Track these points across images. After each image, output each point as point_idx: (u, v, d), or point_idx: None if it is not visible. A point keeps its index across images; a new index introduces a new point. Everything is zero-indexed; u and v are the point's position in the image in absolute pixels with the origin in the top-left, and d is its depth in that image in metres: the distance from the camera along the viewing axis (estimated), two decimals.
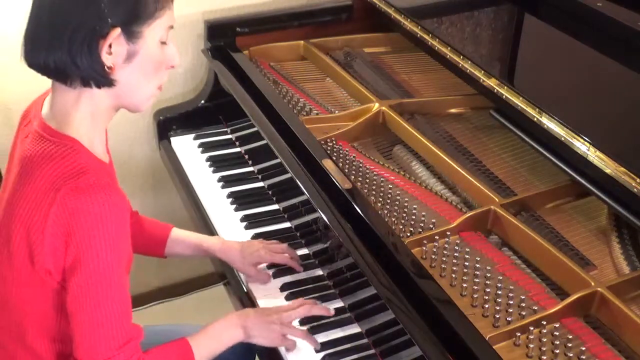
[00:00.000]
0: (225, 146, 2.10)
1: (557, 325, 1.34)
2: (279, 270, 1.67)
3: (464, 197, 1.66)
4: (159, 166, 2.25)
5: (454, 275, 1.43)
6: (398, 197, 1.63)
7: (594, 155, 1.41)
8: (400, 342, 1.37)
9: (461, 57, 1.76)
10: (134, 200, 1.63)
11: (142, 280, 2.56)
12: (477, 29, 1.97)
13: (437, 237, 1.51)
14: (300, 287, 1.63)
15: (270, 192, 1.92)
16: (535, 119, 1.53)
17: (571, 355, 1.28)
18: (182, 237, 1.69)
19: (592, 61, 1.75)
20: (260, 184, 1.96)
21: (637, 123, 1.54)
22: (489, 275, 1.43)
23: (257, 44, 2.17)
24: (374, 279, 1.42)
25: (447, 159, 1.69)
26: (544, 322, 1.32)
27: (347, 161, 1.76)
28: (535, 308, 1.36)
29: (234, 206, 1.88)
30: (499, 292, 1.40)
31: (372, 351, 1.47)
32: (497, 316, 1.34)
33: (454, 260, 1.46)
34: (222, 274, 1.77)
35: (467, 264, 1.46)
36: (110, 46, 1.21)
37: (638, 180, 1.33)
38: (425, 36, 1.88)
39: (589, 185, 1.48)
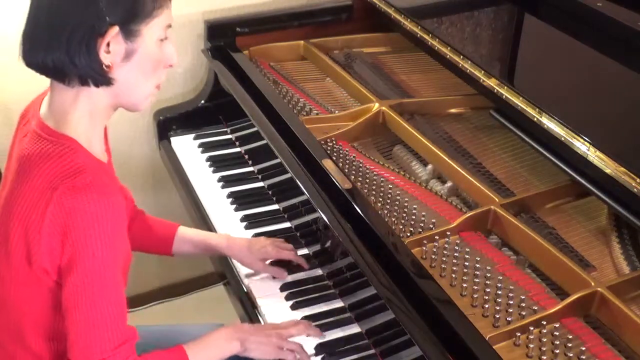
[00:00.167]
0: (225, 146, 2.10)
1: (557, 325, 1.34)
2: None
3: (463, 197, 1.66)
4: (159, 166, 2.25)
5: (454, 275, 1.43)
6: (398, 197, 1.63)
7: (594, 155, 1.41)
8: (401, 342, 1.37)
9: (461, 57, 1.75)
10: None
11: (142, 280, 2.55)
12: (477, 29, 1.97)
13: (437, 237, 1.51)
14: (300, 287, 1.63)
15: (270, 192, 1.92)
16: (535, 119, 1.53)
17: (571, 355, 1.28)
18: (188, 235, 1.69)
19: (592, 61, 1.75)
20: (260, 184, 1.96)
21: (637, 123, 1.54)
22: (489, 275, 1.43)
23: (257, 44, 2.17)
24: (374, 279, 1.41)
25: (447, 159, 1.69)
26: (544, 322, 1.32)
27: (347, 161, 1.75)
28: (535, 308, 1.36)
29: (234, 206, 1.88)
30: (499, 292, 1.40)
31: (372, 351, 1.47)
32: (497, 316, 1.34)
33: (454, 260, 1.46)
34: (222, 274, 1.77)
35: (467, 264, 1.46)
36: (108, 45, 1.21)
37: (638, 180, 1.32)
38: (425, 36, 1.88)
39: (589, 185, 1.48)
